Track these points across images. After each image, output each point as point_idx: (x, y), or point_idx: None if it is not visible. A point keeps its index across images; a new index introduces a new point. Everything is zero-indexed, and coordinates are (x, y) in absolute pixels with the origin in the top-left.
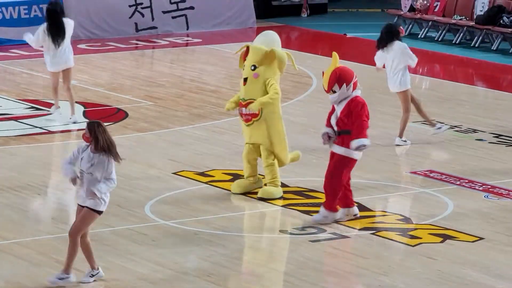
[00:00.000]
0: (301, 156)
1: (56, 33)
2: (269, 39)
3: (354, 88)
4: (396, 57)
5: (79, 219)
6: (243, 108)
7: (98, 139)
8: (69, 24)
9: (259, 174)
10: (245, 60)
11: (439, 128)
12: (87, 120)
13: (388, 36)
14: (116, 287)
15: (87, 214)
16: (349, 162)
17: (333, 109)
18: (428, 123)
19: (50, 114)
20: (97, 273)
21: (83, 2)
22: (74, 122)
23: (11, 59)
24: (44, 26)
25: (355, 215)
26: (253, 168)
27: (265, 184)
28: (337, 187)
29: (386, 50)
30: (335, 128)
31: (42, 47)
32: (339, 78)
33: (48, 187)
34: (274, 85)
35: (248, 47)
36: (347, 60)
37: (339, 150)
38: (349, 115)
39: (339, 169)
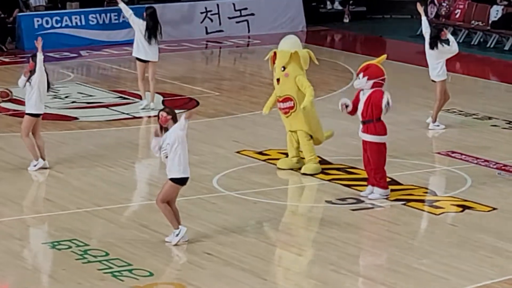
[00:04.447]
0: (334, 133)
1: (153, 31)
2: (292, 42)
3: (373, 86)
4: (439, 53)
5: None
6: (281, 103)
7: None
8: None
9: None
10: (274, 63)
11: (438, 125)
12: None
13: (436, 38)
14: (189, 246)
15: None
16: (380, 146)
17: (357, 99)
18: (433, 116)
19: (141, 105)
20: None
21: (163, 10)
22: (153, 109)
23: (103, 56)
24: (143, 22)
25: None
26: (296, 150)
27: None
28: (381, 167)
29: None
30: (360, 118)
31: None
32: (366, 70)
33: (134, 163)
34: (306, 82)
35: (275, 52)
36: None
37: (369, 137)
38: (370, 106)
39: (376, 154)
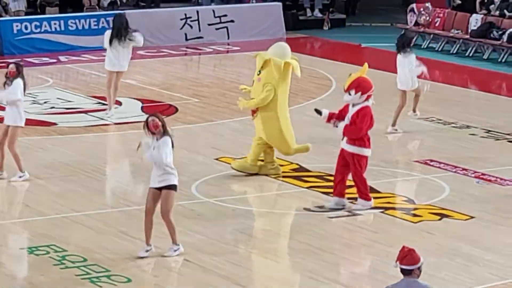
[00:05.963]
0: (310, 148)
1: (119, 37)
2: (275, 51)
3: (366, 99)
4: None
5: (163, 201)
6: None
7: (164, 127)
8: (133, 36)
9: (276, 158)
10: None
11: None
12: (144, 114)
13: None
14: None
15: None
16: (362, 158)
17: (345, 109)
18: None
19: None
20: (150, 249)
21: (142, 15)
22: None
23: (82, 62)
24: (109, 32)
25: (343, 205)
26: (271, 156)
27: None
28: (362, 179)
29: (404, 55)
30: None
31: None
32: (358, 86)
33: (112, 169)
34: (266, 92)
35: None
36: (361, 65)
37: (351, 148)
38: (357, 119)
39: (357, 166)
